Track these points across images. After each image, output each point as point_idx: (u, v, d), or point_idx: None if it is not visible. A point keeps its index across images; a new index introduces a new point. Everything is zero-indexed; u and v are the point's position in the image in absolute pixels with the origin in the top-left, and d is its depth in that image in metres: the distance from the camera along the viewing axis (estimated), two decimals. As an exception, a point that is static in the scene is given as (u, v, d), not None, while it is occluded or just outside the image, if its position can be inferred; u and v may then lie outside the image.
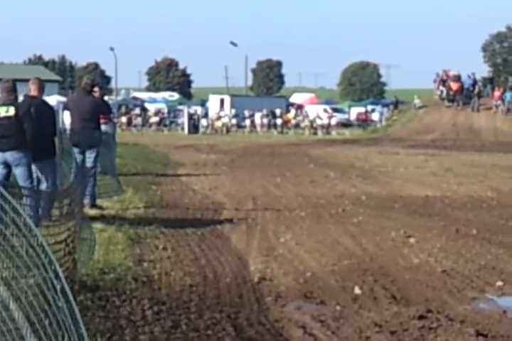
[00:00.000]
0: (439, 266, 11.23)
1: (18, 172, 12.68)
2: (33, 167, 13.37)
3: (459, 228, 14.40)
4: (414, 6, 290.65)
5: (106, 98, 26.56)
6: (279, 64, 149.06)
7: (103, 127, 17.52)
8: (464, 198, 19.22)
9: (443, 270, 11.01)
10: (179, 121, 68.15)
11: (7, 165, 12.57)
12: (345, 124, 71.96)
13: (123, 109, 71.62)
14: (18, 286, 5.42)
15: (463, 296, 9.73)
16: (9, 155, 12.57)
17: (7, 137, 12.39)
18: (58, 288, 4.04)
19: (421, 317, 8.60)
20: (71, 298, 3.84)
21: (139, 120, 68.95)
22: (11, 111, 12.74)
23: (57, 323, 4.09)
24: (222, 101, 75.12)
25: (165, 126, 68.26)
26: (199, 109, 72.20)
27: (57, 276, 4.11)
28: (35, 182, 13.40)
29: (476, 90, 64.44)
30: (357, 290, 9.78)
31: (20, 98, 13.78)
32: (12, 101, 13.01)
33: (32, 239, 4.95)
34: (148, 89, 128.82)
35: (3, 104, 12.94)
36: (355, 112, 78.87)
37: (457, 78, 66.64)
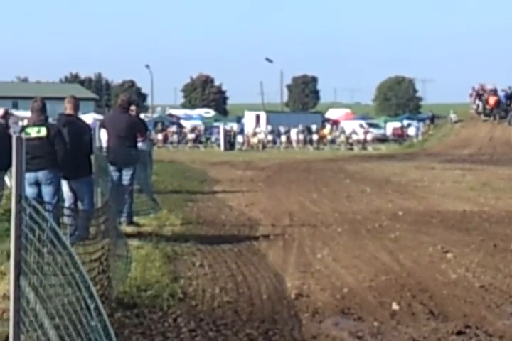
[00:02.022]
0: (477, 281, 11.15)
1: (47, 190, 12.80)
2: (66, 186, 13.49)
3: (497, 243, 14.31)
4: (449, 19, 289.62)
5: (142, 115, 26.68)
6: (314, 80, 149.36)
7: (139, 145, 17.60)
8: (502, 213, 19.10)
9: (481, 285, 10.94)
10: (214, 137, 68.33)
11: (38, 184, 12.68)
12: (381, 139, 71.89)
13: (159, 126, 71.97)
14: (53, 305, 5.45)
15: (502, 311, 9.65)
16: (41, 175, 12.71)
17: (38, 157, 12.48)
18: (92, 307, 4.05)
19: (459, 333, 8.58)
20: (105, 317, 3.84)
21: (175, 137, 69.34)
22: (43, 131, 12.86)
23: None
24: (257, 117, 75.30)
25: (201, 142, 68.59)
26: (235, 126, 72.55)
27: (91, 295, 4.12)
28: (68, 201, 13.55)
29: (517, 103, 64.10)
30: (394, 306, 9.75)
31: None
32: (43, 122, 13.12)
33: (67, 258, 4.98)
34: (183, 106, 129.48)
35: (35, 125, 13.08)
36: (391, 127, 78.84)
37: (494, 92, 66.36)
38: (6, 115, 20.03)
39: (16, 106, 76.30)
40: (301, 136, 66.53)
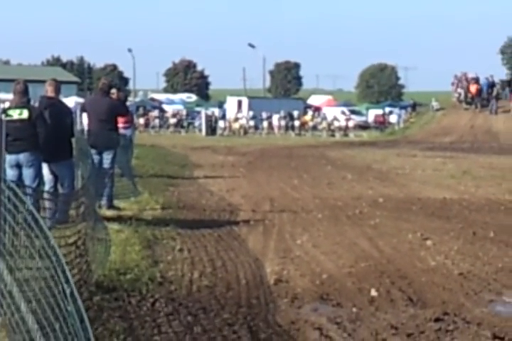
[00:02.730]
0: (456, 269, 11.19)
1: (27, 173, 12.79)
2: (46, 168, 13.46)
3: (477, 230, 14.36)
4: (433, 8, 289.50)
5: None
6: (296, 66, 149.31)
7: (123, 131, 17.56)
8: (482, 201, 19.17)
9: (460, 272, 10.98)
10: (197, 122, 68.24)
11: (19, 166, 12.66)
12: (363, 126, 71.99)
13: (141, 111, 71.70)
14: (29, 288, 5.43)
15: (480, 299, 9.69)
16: (22, 157, 12.69)
17: (20, 139, 12.48)
18: (68, 292, 4.03)
19: (437, 320, 8.59)
20: (80, 302, 3.82)
21: (157, 122, 69.21)
22: (25, 113, 12.85)
23: (67, 327, 4.09)
24: (239, 103, 75.24)
25: (182, 127, 68.51)
26: (216, 111, 72.44)
27: (67, 280, 4.10)
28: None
29: (495, 93, 64.43)
30: (373, 293, 9.76)
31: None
32: (25, 104, 13.10)
33: (44, 241, 4.96)
34: (166, 91, 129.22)
35: (16, 107, 13.07)
36: (372, 114, 78.88)
37: (475, 81, 66.71)
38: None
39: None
40: (282, 122, 66.51)
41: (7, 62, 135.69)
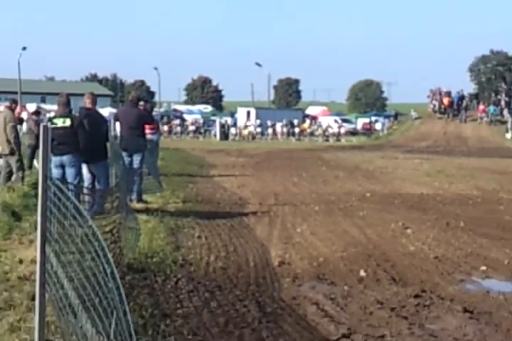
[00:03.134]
0: (432, 253, 11.19)
1: (70, 172, 12.89)
2: (86, 168, 13.51)
3: (449, 221, 14.34)
4: (413, 32, 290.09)
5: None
6: (296, 81, 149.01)
7: (149, 136, 17.56)
8: (454, 195, 19.15)
9: (435, 256, 10.97)
10: (212, 129, 68.14)
11: (62, 166, 12.74)
12: (353, 133, 71.72)
13: (165, 119, 71.52)
14: (72, 269, 5.45)
15: (452, 278, 9.70)
16: (65, 158, 12.80)
17: (63, 144, 12.60)
18: (108, 271, 4.04)
19: (416, 296, 8.62)
20: (118, 280, 3.83)
21: (178, 129, 69.16)
22: (67, 122, 13.01)
23: (106, 301, 4.10)
24: (248, 113, 75.05)
25: (200, 133, 68.36)
26: (229, 120, 72.30)
27: (107, 261, 4.12)
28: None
29: (464, 104, 64.73)
30: (362, 273, 9.78)
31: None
32: (67, 114, 13.25)
33: (87, 229, 4.97)
34: (186, 103, 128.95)
35: (60, 116, 13.26)
36: (361, 123, 78.63)
37: (448, 94, 66.94)
38: (39, 111, 20.02)
39: (43, 101, 76.12)
40: (284, 129, 66.40)
41: (52, 79, 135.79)
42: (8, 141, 16.24)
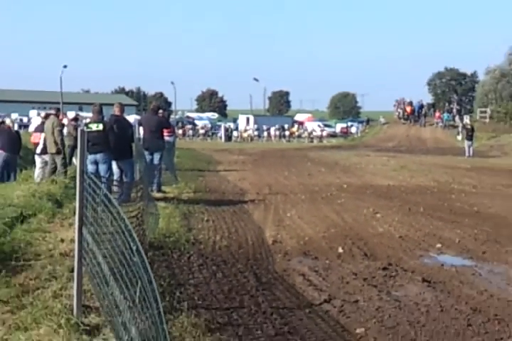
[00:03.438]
0: (397, 233, 11.23)
1: (102, 167, 13.02)
2: (115, 164, 13.54)
3: (411, 207, 14.38)
4: (383, 52, 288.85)
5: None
6: (287, 93, 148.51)
7: (167, 138, 17.55)
8: (414, 186, 19.18)
9: (399, 236, 11.01)
10: (218, 133, 68.00)
11: (96, 163, 12.81)
12: (333, 135, 71.37)
13: (179, 125, 71.31)
14: (104, 246, 5.46)
15: (413, 254, 9.74)
16: (98, 156, 12.90)
17: (97, 144, 12.67)
18: (134, 248, 4.05)
19: (384, 269, 8.65)
20: (143, 254, 3.85)
21: (191, 132, 68.86)
22: (100, 126, 13.13)
23: (132, 273, 4.11)
24: (247, 119, 74.91)
25: (208, 136, 68.13)
26: (232, 125, 72.13)
27: (133, 240, 4.13)
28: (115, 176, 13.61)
29: (423, 112, 64.91)
30: (340, 250, 9.80)
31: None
32: (100, 120, 13.37)
33: (116, 214, 4.98)
34: (197, 111, 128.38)
35: (94, 122, 13.40)
36: (339, 127, 78.17)
37: (410, 103, 67.27)
38: (77, 118, 20.07)
39: (81, 110, 75.78)
40: (277, 132, 66.14)
41: (87, 91, 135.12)
42: (55, 142, 16.25)
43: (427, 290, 7.72)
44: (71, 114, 22.04)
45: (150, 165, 14.87)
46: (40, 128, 17.72)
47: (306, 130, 69.99)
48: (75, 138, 15.68)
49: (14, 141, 17.97)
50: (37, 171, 17.22)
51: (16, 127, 29.42)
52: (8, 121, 20.72)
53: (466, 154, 36.33)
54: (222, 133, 64.87)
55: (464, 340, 6.10)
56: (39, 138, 17.29)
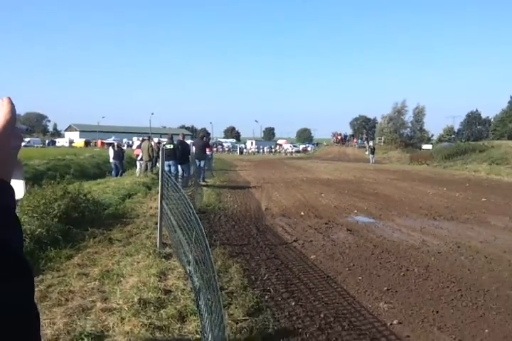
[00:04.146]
0: (333, 204, 11.19)
1: (172, 168, 12.96)
2: (180, 167, 13.52)
3: (341, 190, 14.32)
4: (329, 102, 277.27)
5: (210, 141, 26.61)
6: (272, 129, 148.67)
7: (208, 153, 17.55)
8: (342, 179, 19.08)
9: (334, 206, 10.97)
10: (235, 150, 67.90)
11: (169, 166, 12.79)
12: (298, 151, 71.10)
13: (215, 145, 71.15)
14: (174, 213, 5.46)
15: (342, 215, 9.70)
16: (170, 162, 12.82)
17: (170, 156, 12.62)
18: (191, 211, 4.05)
19: (326, 223, 8.62)
20: (195, 215, 3.85)
21: (221, 149, 68.86)
22: (172, 146, 13.05)
23: (190, 224, 4.11)
24: (251, 142, 75.04)
25: (230, 151, 68.07)
26: (243, 145, 72.03)
27: (191, 207, 4.13)
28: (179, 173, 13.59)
29: (347, 139, 65.07)
30: (302, 213, 9.77)
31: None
32: (171, 142, 13.31)
33: (180, 193, 4.98)
34: (225, 138, 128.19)
35: (168, 143, 13.27)
36: (302, 147, 78.02)
37: (340, 134, 67.54)
38: (160, 142, 20.01)
39: (160, 137, 76.10)
40: (267, 150, 66.35)
41: (164, 127, 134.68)
42: (148, 155, 16.36)
43: (349, 235, 7.72)
44: (155, 140, 22.00)
45: (198, 168, 14.86)
46: (139, 147, 17.79)
47: (283, 148, 69.91)
48: (157, 153, 15.76)
49: (121, 154, 18.22)
50: (137, 170, 17.28)
51: (125, 147, 29.38)
52: (116, 143, 20.74)
53: (370, 162, 36.24)
54: (238, 150, 64.80)
55: (369, 261, 6.11)
56: (139, 152, 17.38)
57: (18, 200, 0.75)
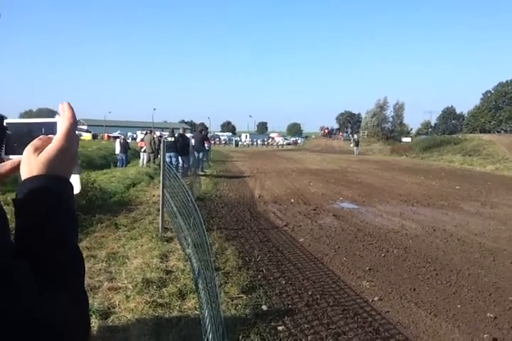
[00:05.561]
0: (320, 192, 11.21)
1: (173, 159, 12.83)
2: (180, 158, 13.45)
3: (328, 179, 14.34)
4: (318, 100, 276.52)
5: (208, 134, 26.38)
6: (266, 123, 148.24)
7: (206, 145, 17.46)
8: (329, 169, 19.09)
9: (322, 193, 10.99)
10: (231, 142, 67.70)
11: (170, 157, 12.70)
12: (289, 144, 71.01)
13: (212, 138, 70.83)
14: (175, 200, 5.43)
15: (328, 202, 9.72)
16: (171, 154, 12.70)
17: (170, 148, 12.50)
18: (189, 199, 4.02)
19: (314, 209, 8.63)
20: (194, 202, 3.82)
21: (218, 142, 68.59)
22: (172, 139, 12.90)
23: (189, 210, 4.09)
24: (246, 136, 74.88)
25: (226, 144, 67.83)
26: (238, 138, 71.80)
27: (189, 195, 4.10)
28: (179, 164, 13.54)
29: (334, 132, 65.02)
30: (292, 200, 9.78)
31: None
32: (173, 136, 13.17)
33: (180, 182, 4.95)
34: (222, 131, 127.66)
35: (169, 136, 13.13)
36: (292, 140, 78.10)
37: (327, 128, 67.43)
38: (161, 135, 19.93)
39: (162, 131, 75.44)
40: (261, 142, 66.22)
41: (166, 121, 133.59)
42: (151, 147, 16.27)
43: (335, 220, 7.74)
44: (157, 133, 21.91)
45: (197, 159, 14.79)
46: (142, 139, 17.77)
47: (275, 141, 69.77)
48: (158, 145, 15.66)
49: (126, 147, 18.10)
50: (140, 161, 17.20)
51: (129, 140, 29.16)
52: (122, 136, 20.62)
53: (355, 153, 36.21)
54: (233, 142, 64.58)
55: (352, 244, 6.14)
56: (143, 144, 17.36)
57: (75, 194, 0.75)
